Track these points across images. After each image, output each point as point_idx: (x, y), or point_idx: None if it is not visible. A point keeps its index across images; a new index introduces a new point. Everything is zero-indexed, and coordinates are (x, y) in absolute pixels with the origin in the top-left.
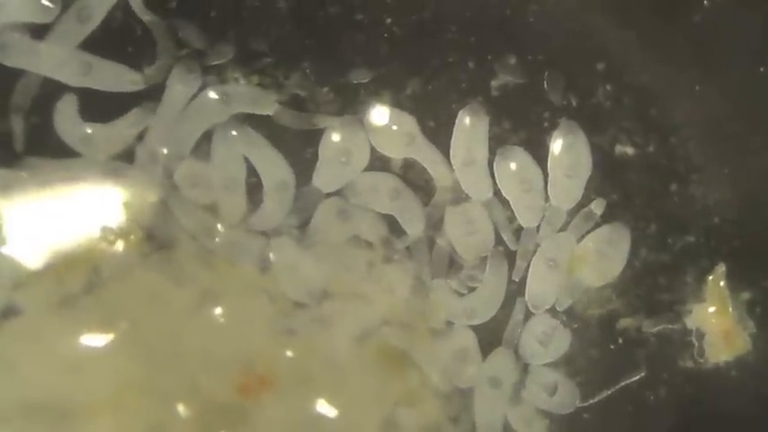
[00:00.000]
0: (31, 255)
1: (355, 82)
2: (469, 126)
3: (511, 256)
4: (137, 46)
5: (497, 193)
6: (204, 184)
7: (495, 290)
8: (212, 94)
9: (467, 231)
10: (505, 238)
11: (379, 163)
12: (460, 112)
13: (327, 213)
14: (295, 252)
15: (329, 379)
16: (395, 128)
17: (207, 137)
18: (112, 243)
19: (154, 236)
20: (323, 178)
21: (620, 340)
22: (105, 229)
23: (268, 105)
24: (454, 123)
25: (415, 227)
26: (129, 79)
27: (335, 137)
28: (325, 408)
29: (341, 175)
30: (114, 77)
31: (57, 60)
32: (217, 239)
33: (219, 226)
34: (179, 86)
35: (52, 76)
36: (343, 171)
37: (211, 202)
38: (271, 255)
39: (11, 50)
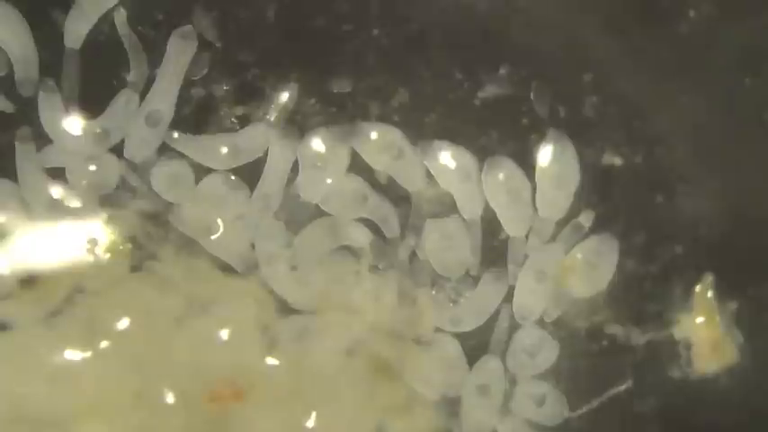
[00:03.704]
0: (18, 268)
1: (337, 91)
2: (449, 157)
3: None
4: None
5: (484, 213)
6: (182, 183)
7: (485, 305)
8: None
9: (443, 246)
10: (471, 261)
11: (365, 174)
12: (428, 154)
13: (317, 230)
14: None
15: (316, 390)
16: (381, 139)
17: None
18: (99, 256)
19: (142, 247)
20: (305, 186)
21: (609, 351)
22: (92, 241)
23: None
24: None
25: (391, 228)
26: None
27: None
28: (312, 419)
29: (320, 182)
30: None
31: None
32: (212, 237)
33: (219, 221)
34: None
35: None
36: (321, 176)
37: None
38: (259, 261)
39: None
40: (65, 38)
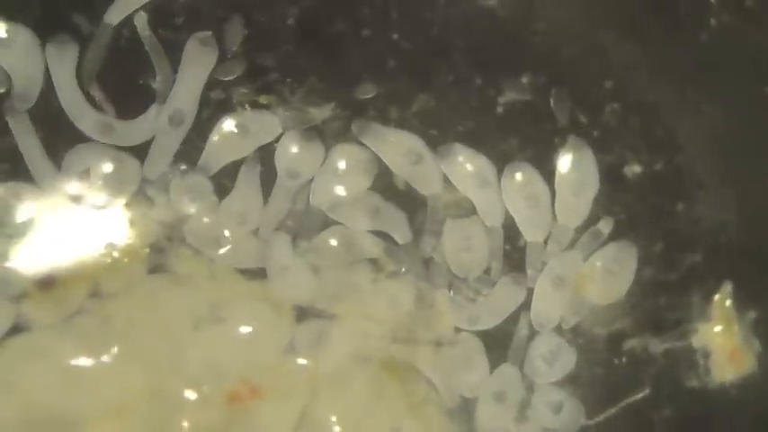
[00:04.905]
0: (36, 270)
1: (361, 97)
2: (462, 161)
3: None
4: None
5: (505, 222)
6: (201, 194)
7: (503, 304)
8: (229, 126)
9: (462, 247)
10: (493, 266)
11: (385, 178)
12: (446, 158)
13: (331, 239)
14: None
15: (333, 393)
16: (401, 144)
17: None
18: (117, 260)
19: (160, 250)
20: (316, 191)
21: (626, 359)
22: (110, 246)
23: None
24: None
25: (403, 235)
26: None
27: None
28: (328, 422)
29: (332, 190)
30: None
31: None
32: (221, 251)
33: (227, 233)
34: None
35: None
36: (335, 186)
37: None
38: (273, 266)
39: None
40: (106, 15)
